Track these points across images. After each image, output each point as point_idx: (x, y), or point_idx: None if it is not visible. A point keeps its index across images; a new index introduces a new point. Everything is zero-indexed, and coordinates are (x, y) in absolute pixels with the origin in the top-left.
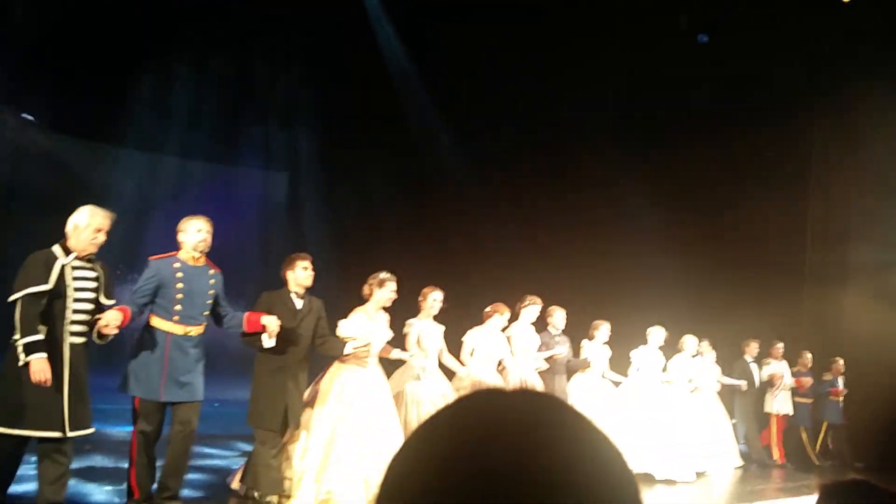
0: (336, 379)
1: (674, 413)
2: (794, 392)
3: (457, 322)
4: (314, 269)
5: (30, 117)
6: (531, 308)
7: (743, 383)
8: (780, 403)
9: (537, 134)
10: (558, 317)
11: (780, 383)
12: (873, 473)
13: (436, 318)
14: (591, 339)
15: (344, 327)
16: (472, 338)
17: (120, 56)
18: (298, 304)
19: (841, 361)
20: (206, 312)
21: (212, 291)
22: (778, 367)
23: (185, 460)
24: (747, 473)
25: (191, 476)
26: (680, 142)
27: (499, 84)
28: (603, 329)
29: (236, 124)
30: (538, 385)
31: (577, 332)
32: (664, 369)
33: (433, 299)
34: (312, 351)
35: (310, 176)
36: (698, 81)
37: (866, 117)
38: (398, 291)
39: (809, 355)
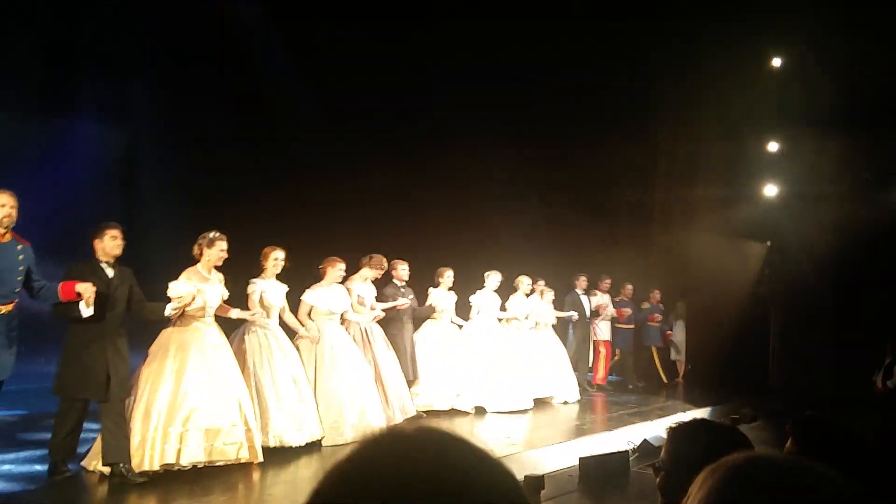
0: (170, 339)
1: (512, 349)
2: (616, 320)
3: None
4: (124, 238)
5: None
6: (373, 263)
7: (574, 314)
8: (601, 331)
9: (387, 80)
10: (401, 269)
11: (605, 313)
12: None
13: (279, 277)
14: (436, 286)
15: (173, 288)
16: (308, 296)
17: None
18: (110, 273)
19: (657, 292)
20: (18, 289)
21: (21, 267)
22: (602, 299)
23: None
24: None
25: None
26: (529, 84)
27: (349, 26)
28: (447, 276)
29: (63, 74)
30: (378, 333)
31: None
32: (502, 309)
33: (274, 258)
34: (130, 318)
35: (148, 129)
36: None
37: (709, 56)
38: (239, 250)
39: (630, 287)
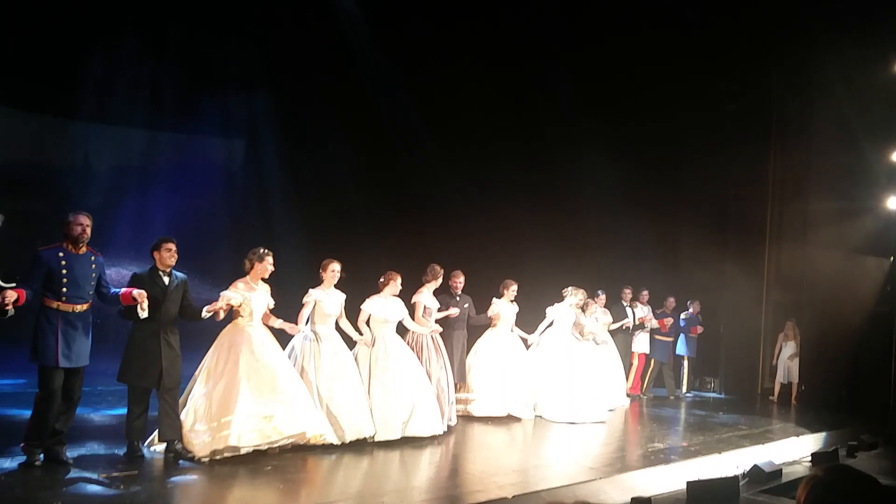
0: (224, 340)
1: (586, 363)
2: (657, 331)
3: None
4: (177, 250)
5: None
6: (432, 275)
7: (627, 321)
8: (639, 343)
9: (494, 100)
10: (458, 280)
11: (648, 325)
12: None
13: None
14: (500, 296)
15: (223, 295)
16: (367, 305)
17: (66, 32)
18: (165, 280)
19: (698, 303)
20: (92, 292)
21: (94, 275)
22: (643, 311)
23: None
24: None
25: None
26: (636, 95)
27: (459, 41)
28: (512, 288)
29: (191, 92)
30: (436, 340)
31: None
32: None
33: (332, 270)
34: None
35: (268, 141)
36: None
37: (827, 63)
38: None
39: (672, 299)
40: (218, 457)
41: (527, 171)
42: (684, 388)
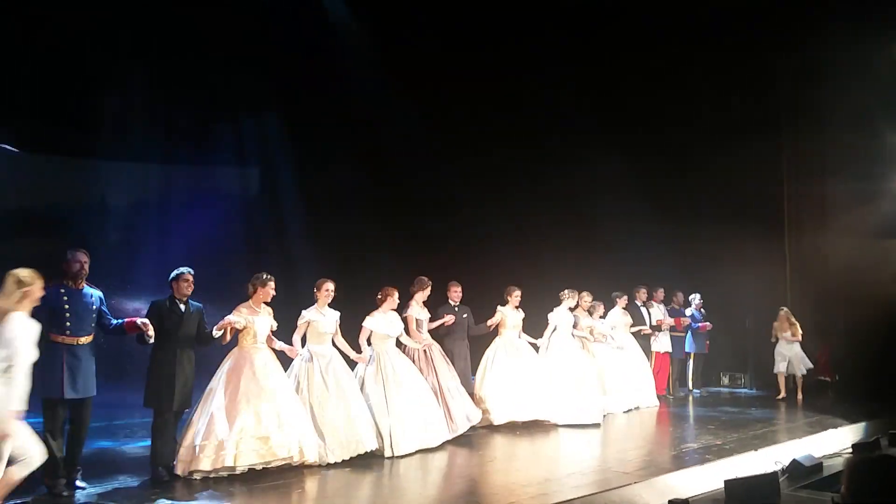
0: (229, 363)
1: (586, 364)
2: (673, 329)
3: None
4: (194, 281)
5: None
6: (419, 286)
7: (645, 327)
8: (661, 343)
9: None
10: (454, 291)
11: (665, 324)
12: None
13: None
14: (504, 303)
15: (227, 319)
16: (368, 322)
17: (75, 71)
18: (182, 308)
19: (697, 296)
20: (94, 324)
21: (94, 307)
22: (659, 310)
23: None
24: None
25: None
26: (641, 85)
27: (465, 55)
28: (515, 294)
29: (201, 122)
30: (436, 350)
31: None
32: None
33: (326, 290)
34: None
35: (280, 167)
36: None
37: (837, 47)
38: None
39: (681, 294)
40: (214, 475)
41: (536, 178)
42: (690, 385)
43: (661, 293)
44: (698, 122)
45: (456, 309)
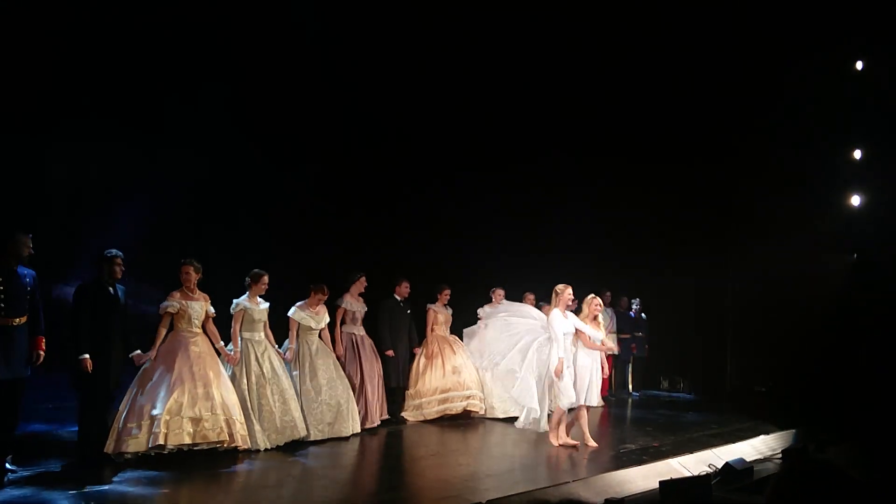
0: (164, 347)
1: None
2: (619, 331)
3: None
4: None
5: None
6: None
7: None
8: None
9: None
10: (404, 287)
11: (610, 326)
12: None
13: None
14: (435, 301)
15: (162, 305)
16: (294, 313)
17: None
18: (111, 290)
19: (625, 299)
20: (27, 306)
21: (30, 288)
22: (607, 313)
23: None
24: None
25: None
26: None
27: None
28: (446, 293)
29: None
30: (367, 343)
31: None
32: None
33: (264, 282)
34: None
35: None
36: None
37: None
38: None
39: (626, 299)
40: (144, 454)
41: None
42: (630, 388)
43: (608, 296)
44: (649, 138)
45: (400, 304)
